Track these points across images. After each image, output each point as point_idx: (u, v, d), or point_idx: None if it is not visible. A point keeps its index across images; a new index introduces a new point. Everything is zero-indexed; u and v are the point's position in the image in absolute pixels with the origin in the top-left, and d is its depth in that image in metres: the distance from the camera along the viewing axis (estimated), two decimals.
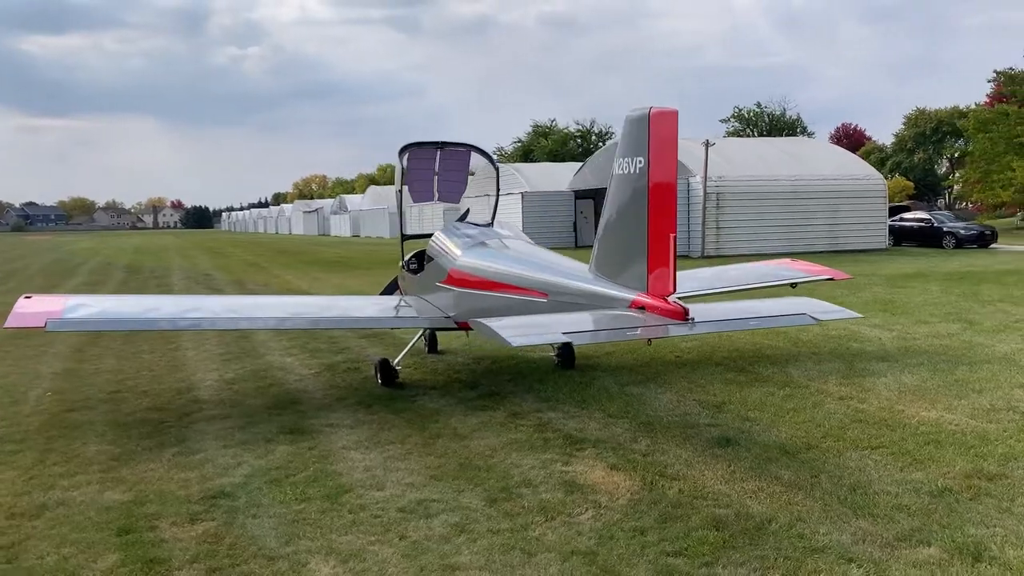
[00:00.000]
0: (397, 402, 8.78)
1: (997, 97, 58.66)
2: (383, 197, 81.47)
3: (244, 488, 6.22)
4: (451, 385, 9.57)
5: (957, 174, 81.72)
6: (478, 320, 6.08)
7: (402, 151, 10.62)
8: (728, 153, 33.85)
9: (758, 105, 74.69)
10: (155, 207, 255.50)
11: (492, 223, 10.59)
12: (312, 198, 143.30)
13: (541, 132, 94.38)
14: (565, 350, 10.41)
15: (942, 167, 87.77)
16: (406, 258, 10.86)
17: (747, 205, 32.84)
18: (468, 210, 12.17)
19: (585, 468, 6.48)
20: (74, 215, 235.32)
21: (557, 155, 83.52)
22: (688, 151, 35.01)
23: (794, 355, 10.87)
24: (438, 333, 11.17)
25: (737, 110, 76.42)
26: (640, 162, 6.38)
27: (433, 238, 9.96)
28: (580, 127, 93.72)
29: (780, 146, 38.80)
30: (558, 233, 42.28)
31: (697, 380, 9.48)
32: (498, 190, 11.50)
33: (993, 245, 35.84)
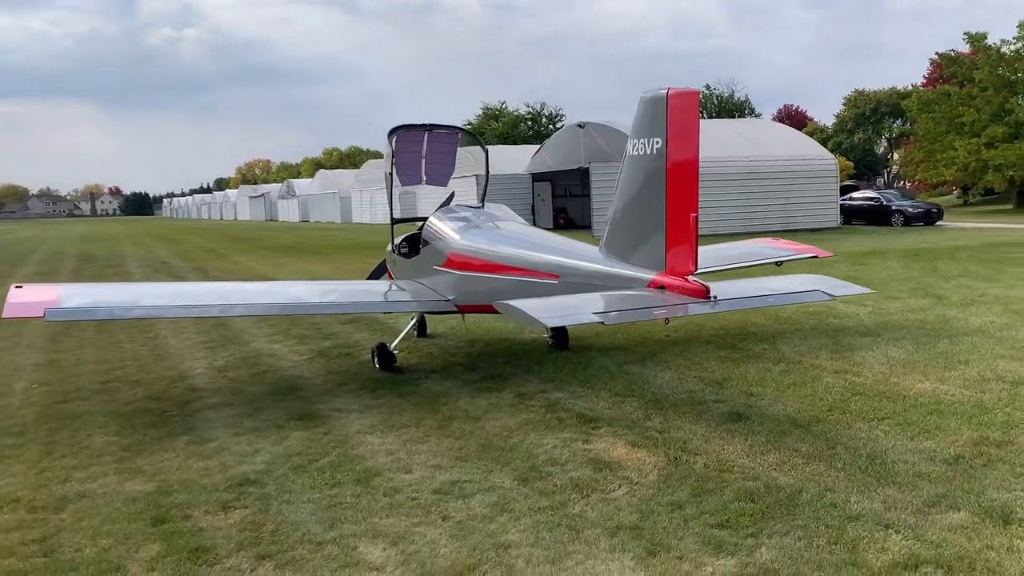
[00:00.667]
0: (401, 386, 8.76)
1: (934, 78, 60.25)
2: (333, 181, 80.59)
3: (269, 475, 6.17)
4: (451, 368, 9.58)
5: (895, 154, 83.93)
6: (505, 303, 6.11)
7: (391, 133, 10.54)
8: (718, 138, 34.15)
9: (707, 87, 75.66)
10: (92, 194, 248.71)
11: (483, 205, 10.59)
12: (256, 183, 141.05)
13: (491, 115, 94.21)
14: (559, 331, 10.49)
15: (880, 147, 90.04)
16: (397, 242, 10.80)
17: (704, 186, 32.79)
18: (453, 193, 12.14)
19: (606, 446, 6.57)
20: (6, 203, 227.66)
21: (508, 137, 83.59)
22: None
23: (780, 332, 11.10)
24: (428, 317, 11.16)
25: None
26: (658, 143, 6.45)
27: (429, 221, 9.92)
28: (531, 109, 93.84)
29: (735, 128, 39.30)
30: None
31: (692, 358, 9.64)
32: (487, 172, 11.47)
33: (939, 222, 36.93)
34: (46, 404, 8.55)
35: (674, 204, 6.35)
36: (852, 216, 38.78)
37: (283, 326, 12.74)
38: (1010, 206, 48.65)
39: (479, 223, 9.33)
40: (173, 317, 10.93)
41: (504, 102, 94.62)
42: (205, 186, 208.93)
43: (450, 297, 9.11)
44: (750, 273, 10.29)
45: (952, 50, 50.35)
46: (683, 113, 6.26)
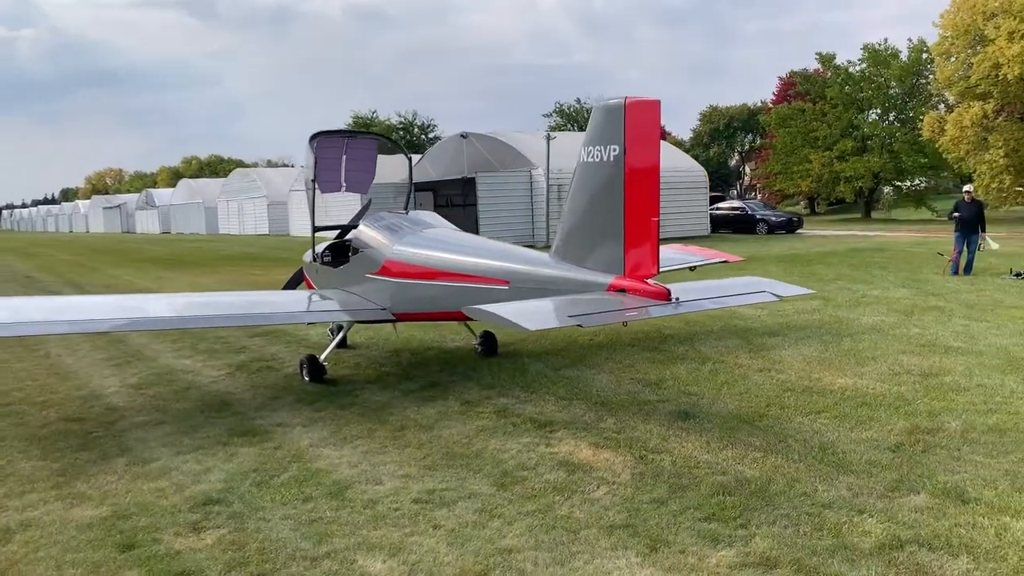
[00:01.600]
0: (339, 398, 8.55)
1: (783, 96, 64.35)
2: (197, 191, 77.40)
3: (231, 492, 5.91)
4: (385, 378, 9.42)
5: (747, 167, 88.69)
6: (479, 308, 6.07)
7: (312, 139, 10.31)
8: (567, 147, 34.85)
9: (578, 101, 77.46)
10: None
11: (407, 212, 10.51)
12: (108, 193, 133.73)
13: (362, 124, 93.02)
14: (488, 338, 10.51)
15: (733, 160, 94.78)
16: (319, 250, 10.54)
17: None
18: (371, 200, 11.97)
19: (570, 448, 6.65)
20: None
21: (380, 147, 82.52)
22: (530, 145, 35.89)
23: (693, 333, 11.53)
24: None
25: (559, 105, 78.94)
26: (615, 149, 6.60)
27: (359, 229, 9.73)
28: (403, 119, 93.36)
29: None
30: None
31: (622, 360, 9.87)
32: (411, 178, 11.37)
33: (799, 231, 39.21)
34: None
35: (633, 209, 6.50)
36: (719, 225, 40.57)
37: (188, 340, 12.18)
38: (859, 215, 52.17)
39: (414, 230, 9.23)
40: (106, 331, 9.99)
41: (375, 111, 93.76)
42: (50, 197, 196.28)
43: (385, 306, 8.97)
44: (698, 276, 10.67)
45: (805, 68, 53.68)
46: (642, 121, 6.44)
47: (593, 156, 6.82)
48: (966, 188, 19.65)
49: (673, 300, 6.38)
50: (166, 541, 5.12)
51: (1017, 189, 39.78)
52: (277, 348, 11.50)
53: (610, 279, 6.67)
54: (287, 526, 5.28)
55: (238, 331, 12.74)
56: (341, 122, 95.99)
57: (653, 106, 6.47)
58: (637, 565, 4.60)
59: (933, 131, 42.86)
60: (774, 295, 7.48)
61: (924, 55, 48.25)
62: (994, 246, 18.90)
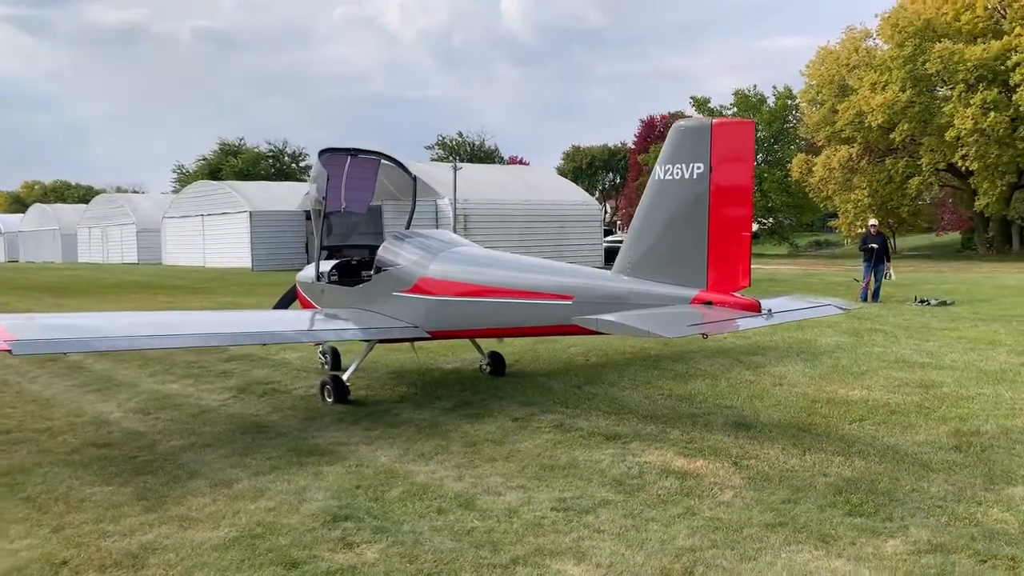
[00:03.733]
0: (381, 417, 8.35)
1: (643, 137, 68.01)
2: (52, 217, 72.62)
3: (354, 509, 5.69)
4: (411, 399, 9.25)
5: (607, 205, 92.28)
6: (600, 318, 6.20)
7: (321, 154, 10.11)
8: (471, 178, 35.23)
9: (459, 134, 78.57)
10: None
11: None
12: None
13: (229, 150, 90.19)
14: (495, 358, 10.52)
15: (594, 197, 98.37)
16: (325, 269, 10.28)
17: (490, 226, 34.43)
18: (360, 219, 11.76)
19: (660, 458, 6.79)
20: None
21: (248, 175, 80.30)
22: (434, 175, 35.96)
23: (676, 353, 11.92)
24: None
25: (441, 138, 79.85)
26: (699, 168, 6.87)
27: (384, 247, 9.57)
28: (272, 147, 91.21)
29: (514, 173, 41.22)
30: (289, 255, 40.87)
31: (635, 378, 10.11)
32: (414, 199, 11.28)
33: None
34: None
35: (722, 224, 6.77)
36: (611, 256, 41.85)
37: (158, 366, 11.54)
38: None
39: (445, 247, 9.18)
40: (145, 348, 10.03)
41: (243, 138, 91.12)
42: None
43: (418, 324, 8.85)
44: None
45: (680, 112, 56.54)
46: (733, 141, 6.74)
47: (672, 174, 7.06)
48: (871, 222, 21.30)
49: (765, 312, 6.67)
50: (327, 557, 4.90)
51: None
52: (265, 371, 11.05)
53: (693, 292, 6.90)
54: (446, 537, 5.16)
55: (209, 356, 12.20)
56: (200, 148, 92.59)
57: (747, 127, 6.82)
58: (824, 557, 4.79)
59: (801, 172, 46.02)
60: (839, 308, 7.91)
61: (789, 102, 51.89)
62: (893, 277, 20.55)
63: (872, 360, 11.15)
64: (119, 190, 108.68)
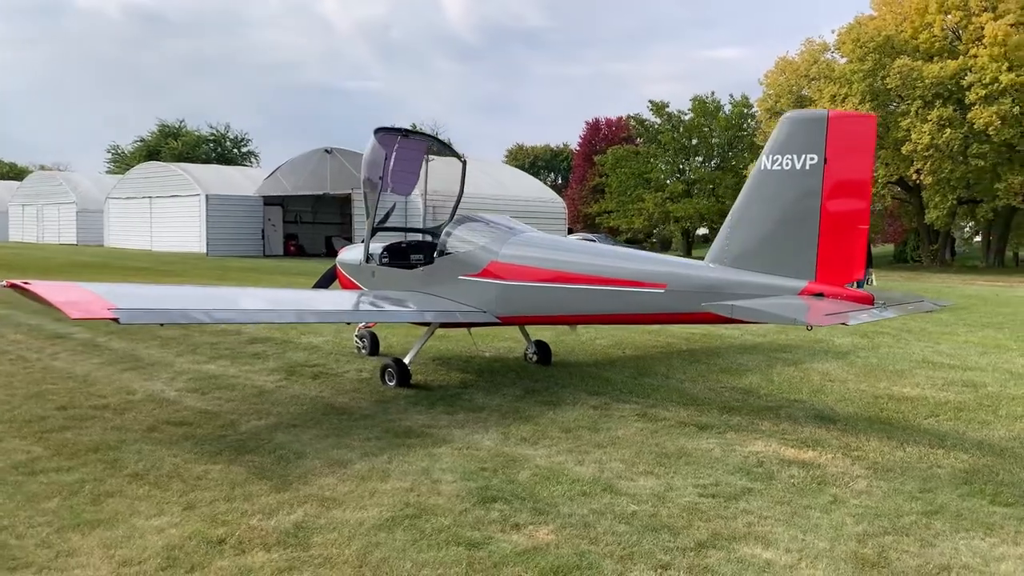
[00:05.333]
0: (456, 400, 8.20)
1: (588, 140, 68.90)
2: None
3: (499, 490, 5.53)
4: (474, 384, 9.08)
5: None
6: (741, 305, 6.20)
7: (376, 132, 9.83)
8: (440, 172, 34.84)
9: (413, 126, 77.90)
10: None
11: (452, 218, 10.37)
12: None
13: (169, 132, 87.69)
14: (541, 347, 10.40)
15: None
16: (375, 251, 10.02)
17: None
18: (395, 205, 11.52)
19: (768, 448, 6.78)
20: None
21: (188, 157, 78.17)
22: None
23: (710, 348, 11.98)
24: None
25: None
26: (812, 159, 6.88)
27: (449, 231, 9.37)
28: (214, 131, 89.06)
29: (483, 169, 40.90)
30: (245, 241, 39.90)
31: (685, 371, 10.11)
32: (463, 184, 11.07)
33: None
34: (35, 432, 6.74)
35: (838, 215, 6.80)
36: None
37: (179, 347, 11.09)
38: (680, 253, 56.03)
39: (514, 232, 9.02)
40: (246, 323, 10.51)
41: (183, 120, 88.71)
42: None
43: (487, 308, 8.69)
44: None
45: (638, 114, 57.16)
46: (852, 133, 6.77)
47: (780, 164, 7.06)
48: None
49: (880, 303, 6.72)
50: (502, 538, 4.75)
51: None
52: (300, 354, 10.71)
53: (802, 283, 6.91)
54: (611, 519, 5.05)
55: (228, 337, 11.81)
56: (143, 129, 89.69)
57: (868, 120, 6.86)
58: (1001, 544, 4.84)
59: None
60: (935, 304, 8.00)
61: (745, 110, 52.90)
62: (875, 283, 21.11)
63: (900, 360, 11.37)
64: (42, 168, 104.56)
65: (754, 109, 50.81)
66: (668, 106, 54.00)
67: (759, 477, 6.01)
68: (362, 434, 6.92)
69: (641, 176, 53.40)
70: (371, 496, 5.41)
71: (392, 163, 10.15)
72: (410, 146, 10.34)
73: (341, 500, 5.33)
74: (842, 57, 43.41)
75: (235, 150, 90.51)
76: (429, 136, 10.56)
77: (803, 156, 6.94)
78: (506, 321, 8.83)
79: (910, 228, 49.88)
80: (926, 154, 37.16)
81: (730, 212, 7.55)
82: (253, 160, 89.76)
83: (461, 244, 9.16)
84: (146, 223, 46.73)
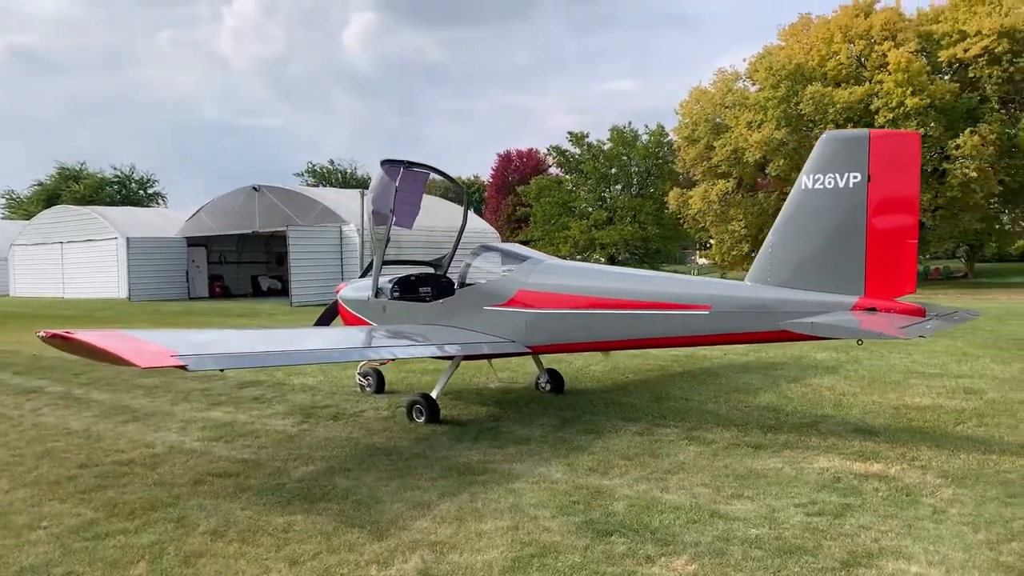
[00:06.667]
0: (498, 434, 7.97)
1: (500, 171, 69.83)
2: None
3: (607, 523, 5.37)
4: (502, 417, 8.86)
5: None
6: (821, 322, 6.22)
7: (383, 164, 9.64)
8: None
9: (331, 162, 77.77)
10: None
11: (454, 252, 10.35)
12: None
13: (70, 175, 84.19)
14: (554, 375, 10.27)
15: None
16: (385, 285, 9.74)
17: (394, 252, 33.70)
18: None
19: (832, 464, 6.81)
20: None
21: (92, 200, 75.27)
22: (337, 200, 35.11)
23: (711, 368, 12.07)
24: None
25: (310, 165, 79.04)
26: (856, 176, 7.04)
27: (468, 262, 9.20)
28: (118, 173, 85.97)
29: None
30: (169, 284, 38.38)
31: (698, 392, 10.12)
32: (465, 217, 10.92)
33: None
34: (71, 494, 6.22)
35: (886, 231, 6.94)
36: None
37: (166, 395, 10.51)
38: None
39: (537, 261, 8.90)
40: (294, 365, 10.00)
41: (84, 162, 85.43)
42: None
43: (516, 338, 8.53)
44: None
45: (559, 145, 57.81)
46: (896, 151, 6.94)
47: (822, 183, 7.19)
48: None
49: (932, 315, 6.87)
50: (642, 571, 4.59)
51: (753, 255, 45.83)
52: (301, 396, 10.28)
53: (852, 299, 7.01)
54: (740, 544, 4.95)
55: (215, 383, 11.25)
56: (42, 172, 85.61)
57: (912, 138, 7.04)
58: None
59: (678, 204, 48.06)
60: (969, 314, 8.20)
61: (662, 139, 54.27)
62: None
63: (889, 372, 11.66)
64: None
65: (671, 137, 52.07)
66: (588, 136, 54.93)
67: (848, 492, 6.02)
68: (424, 473, 6.65)
69: (565, 205, 54.00)
70: (479, 538, 5.17)
71: (398, 196, 9.93)
72: (412, 178, 10.13)
73: (451, 544, 5.07)
74: (754, 84, 45.05)
75: (140, 191, 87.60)
76: (431, 168, 10.36)
77: (846, 174, 7.08)
78: (537, 351, 8.69)
79: None
80: None
81: (770, 232, 7.63)
82: (160, 201, 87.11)
83: (484, 274, 9.00)
84: (57, 270, 44.47)
